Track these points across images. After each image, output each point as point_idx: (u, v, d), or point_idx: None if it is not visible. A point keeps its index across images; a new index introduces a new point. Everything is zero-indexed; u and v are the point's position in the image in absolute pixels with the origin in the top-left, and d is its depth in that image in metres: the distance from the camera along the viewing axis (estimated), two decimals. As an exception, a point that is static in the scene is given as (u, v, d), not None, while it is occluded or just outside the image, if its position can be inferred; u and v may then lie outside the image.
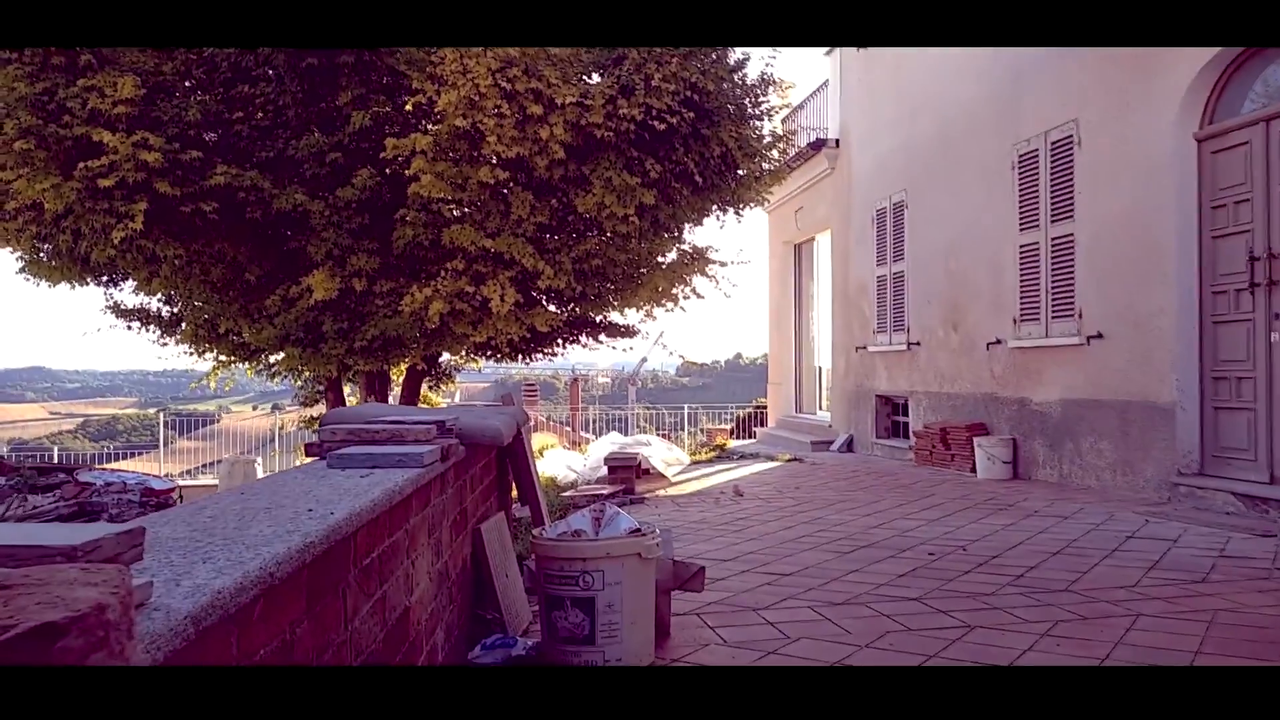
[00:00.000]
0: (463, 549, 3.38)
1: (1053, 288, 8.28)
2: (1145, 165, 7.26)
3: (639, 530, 3.33)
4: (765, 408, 19.80)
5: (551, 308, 8.07)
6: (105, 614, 0.73)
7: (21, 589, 0.74)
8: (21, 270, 7.46)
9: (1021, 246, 8.70)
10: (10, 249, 7.24)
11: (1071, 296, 8.03)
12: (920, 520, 6.42)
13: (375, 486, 2.07)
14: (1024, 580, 4.49)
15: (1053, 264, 8.27)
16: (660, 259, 7.98)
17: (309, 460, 2.68)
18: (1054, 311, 8.26)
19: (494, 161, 6.55)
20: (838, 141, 13.11)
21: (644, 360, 27.94)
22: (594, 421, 21.06)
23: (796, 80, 16.01)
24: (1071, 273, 8.03)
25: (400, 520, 2.32)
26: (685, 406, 21.07)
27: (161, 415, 22.28)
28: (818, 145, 13.25)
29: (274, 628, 1.41)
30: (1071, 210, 8.03)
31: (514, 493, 5.05)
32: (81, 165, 5.56)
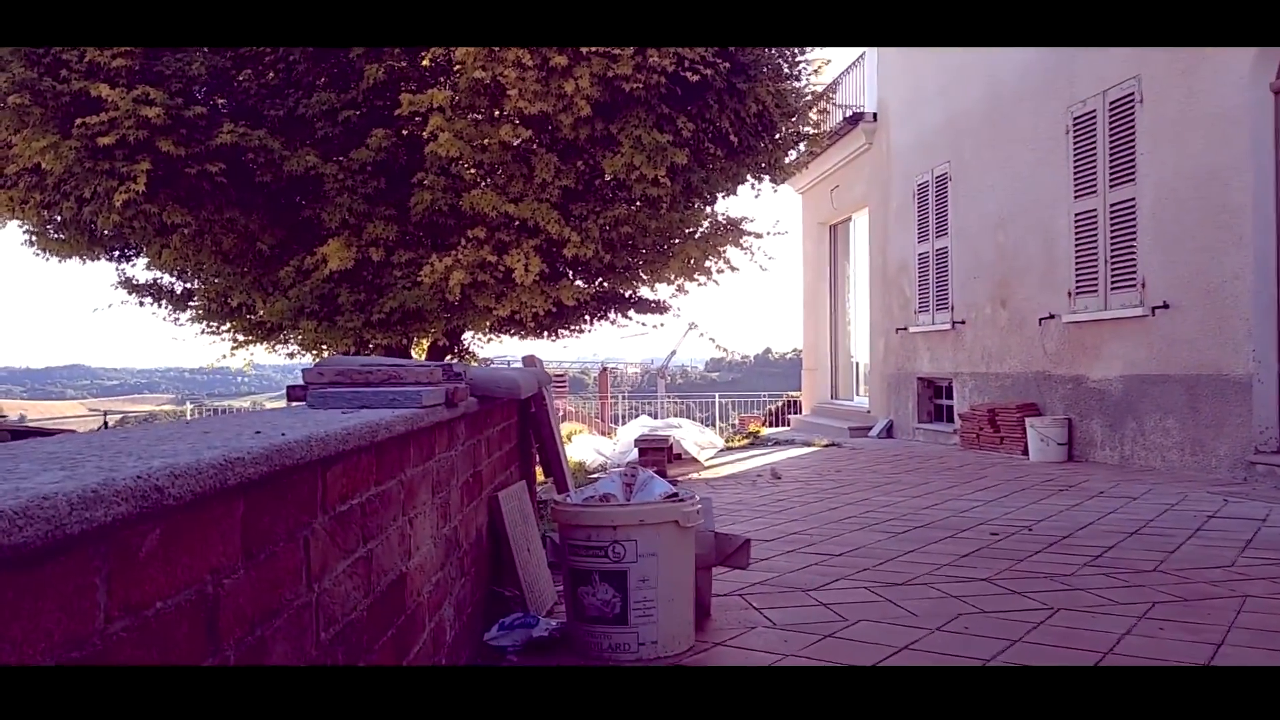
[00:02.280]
0: (477, 516, 2.99)
1: (1112, 257, 7.75)
2: (1216, 120, 6.72)
3: (676, 495, 2.92)
4: (797, 401, 19.30)
5: (579, 282, 7.67)
6: None
7: None
8: (29, 244, 7.19)
9: (1077, 215, 8.17)
10: (17, 220, 6.96)
11: (1133, 265, 7.50)
12: (975, 501, 5.96)
13: (352, 418, 1.68)
14: (1103, 561, 4.03)
15: (1112, 231, 7.74)
16: (692, 229, 7.54)
17: (290, 405, 2.30)
18: (1113, 282, 7.73)
19: (516, 120, 6.16)
20: (875, 116, 12.59)
21: (673, 353, 27.56)
22: (623, 415, 20.72)
23: (832, 56, 15.52)
24: (1133, 240, 7.50)
25: (393, 467, 1.93)
26: (716, 395, 20.63)
27: (189, 410, 22.17)
28: (854, 120, 12.74)
29: (181, 573, 1.01)
30: (1133, 173, 7.50)
31: (537, 468, 4.66)
32: (79, 122, 5.23)
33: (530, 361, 4.32)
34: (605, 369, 21.08)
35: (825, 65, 15.89)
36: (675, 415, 20.98)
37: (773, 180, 7.94)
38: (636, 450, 8.61)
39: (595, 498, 2.92)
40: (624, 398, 23.01)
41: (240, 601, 1.16)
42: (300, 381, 2.37)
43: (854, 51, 13.72)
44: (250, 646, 1.19)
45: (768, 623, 3.17)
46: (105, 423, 5.31)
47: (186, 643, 1.02)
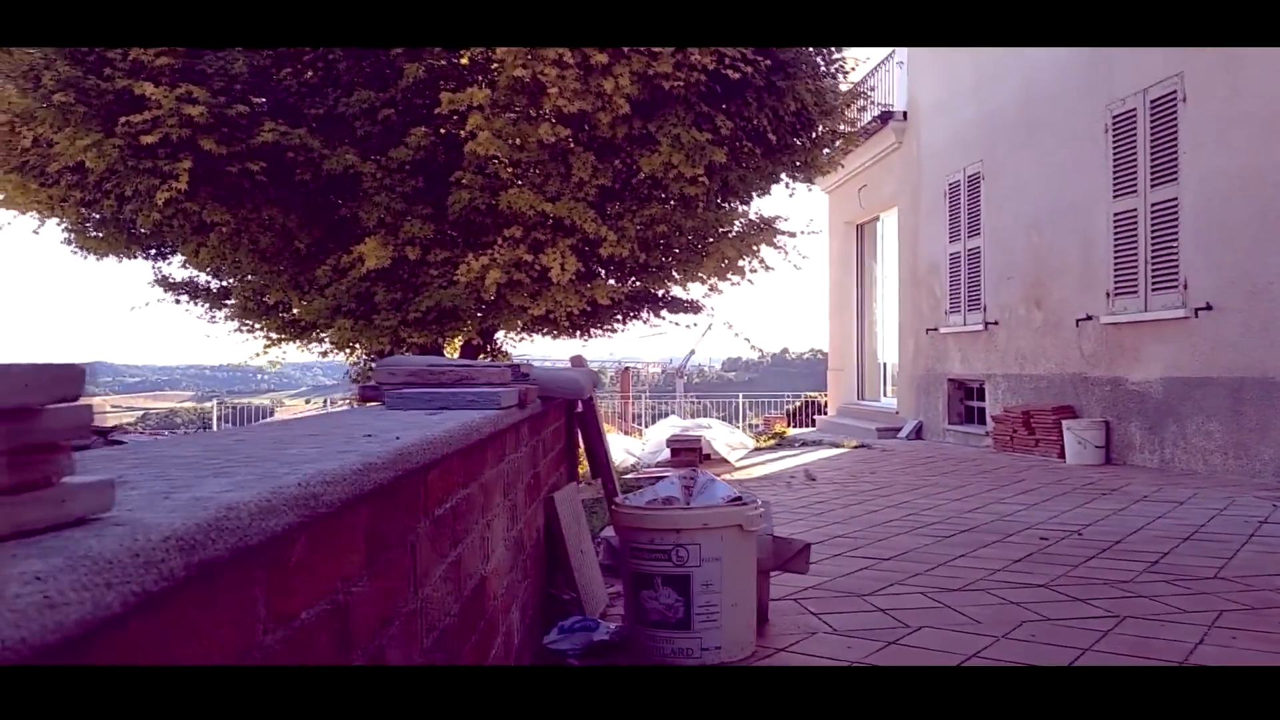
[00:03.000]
0: (536, 518, 2.96)
1: (1153, 257, 7.65)
2: (1263, 118, 6.61)
3: (739, 499, 2.88)
4: (816, 401, 19.19)
5: (612, 281, 7.63)
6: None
7: None
8: (67, 242, 7.22)
9: (1116, 214, 8.07)
10: (56, 218, 6.99)
11: (1175, 266, 7.40)
12: (1018, 504, 5.88)
13: (448, 420, 1.65)
14: (1161, 567, 3.96)
15: (1152, 231, 7.64)
16: (727, 228, 7.49)
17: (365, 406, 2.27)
18: (1154, 283, 7.63)
19: (554, 118, 6.12)
20: (905, 114, 12.50)
21: (692, 353, 27.49)
22: (642, 414, 20.67)
23: (865, 54, 15.39)
24: (1174, 240, 7.39)
25: (475, 470, 1.90)
26: (740, 395, 20.55)
27: (213, 407, 22.28)
28: (884, 118, 12.64)
29: (320, 582, 0.98)
30: (1175, 172, 7.39)
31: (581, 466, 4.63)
32: (123, 121, 5.23)
33: (578, 361, 4.29)
34: (627, 369, 21.01)
35: (858, 64, 15.83)
36: (692, 415, 20.94)
37: (807, 180, 7.89)
38: (668, 450, 8.58)
39: (657, 501, 2.88)
40: (646, 396, 22.97)
41: (365, 610, 1.13)
42: (334, 380, 2.35)
43: (883, 50, 13.62)
44: (372, 655, 1.16)
45: (828, 628, 3.12)
46: (119, 440, 5.31)
47: (324, 654, 0.99)
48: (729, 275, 7.96)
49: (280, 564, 0.87)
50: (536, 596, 2.96)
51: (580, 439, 4.24)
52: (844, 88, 7.61)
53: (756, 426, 18.27)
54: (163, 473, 0.86)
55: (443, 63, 6.12)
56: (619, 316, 8.13)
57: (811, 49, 6.86)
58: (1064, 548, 4.44)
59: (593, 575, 3.43)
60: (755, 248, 7.75)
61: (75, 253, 7.35)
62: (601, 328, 8.19)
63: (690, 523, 2.75)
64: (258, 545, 0.74)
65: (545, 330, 8.09)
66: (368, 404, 2.27)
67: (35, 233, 7.13)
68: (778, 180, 7.60)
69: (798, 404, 20.49)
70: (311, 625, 0.95)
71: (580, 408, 4.06)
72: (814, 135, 7.09)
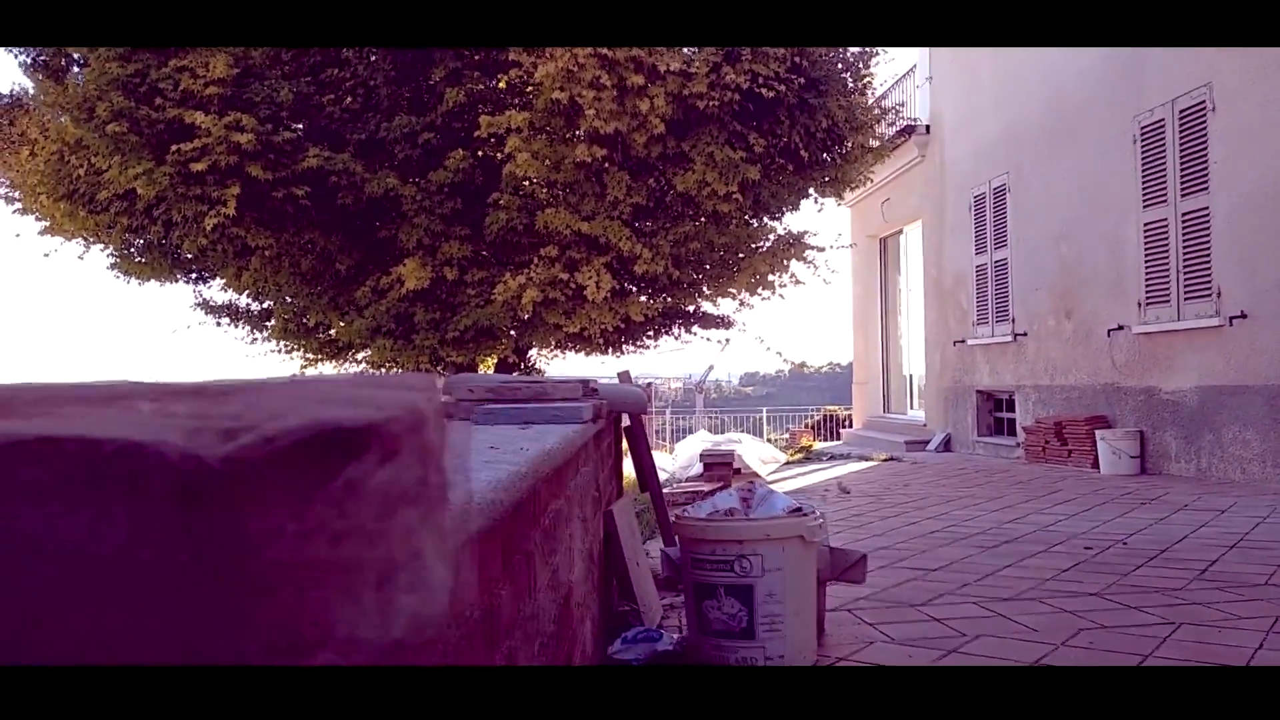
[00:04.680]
0: (598, 531, 3.02)
1: (1184, 267, 7.65)
2: (1295, 127, 6.63)
3: (799, 510, 2.93)
4: (835, 415, 19.16)
5: (643, 298, 7.72)
6: (424, 428, 0.39)
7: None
8: (112, 267, 7.38)
9: (1146, 224, 8.08)
10: (101, 245, 7.15)
11: (1208, 275, 7.40)
12: (1057, 515, 5.89)
13: (547, 434, 1.72)
14: (1211, 575, 3.97)
15: (1184, 241, 7.64)
16: (758, 244, 7.57)
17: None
18: (1186, 292, 7.63)
19: (590, 139, 6.23)
20: (928, 128, 12.55)
21: (711, 368, 27.48)
22: (665, 430, 20.67)
23: (877, 70, 15.48)
24: (1207, 249, 7.40)
25: (563, 483, 1.97)
26: (764, 409, 20.56)
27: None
28: (907, 131, 12.69)
29: (482, 582, 1.05)
30: (1206, 182, 7.41)
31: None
32: (174, 149, 5.38)
33: (625, 378, 4.36)
34: (651, 384, 21.09)
35: (873, 79, 15.80)
36: (712, 430, 20.95)
37: (836, 195, 7.96)
38: (699, 465, 8.63)
39: (718, 513, 2.94)
40: (670, 411, 22.99)
41: (504, 614, 1.20)
42: (455, 397, 2.42)
43: (904, 64, 13.70)
44: (506, 658, 1.23)
45: (885, 638, 3.16)
46: None
47: (478, 655, 1.06)
48: (760, 290, 8.04)
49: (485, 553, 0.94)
50: (602, 608, 3.02)
51: (630, 453, 4.31)
52: (873, 103, 7.70)
53: (782, 440, 18.26)
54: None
55: (481, 87, 6.25)
56: (651, 332, 8.21)
57: (840, 65, 6.94)
58: (1110, 557, 4.46)
59: (648, 587, 3.48)
60: (786, 262, 7.82)
61: (119, 277, 7.52)
62: (634, 344, 8.28)
63: (753, 534, 2.81)
64: (501, 522, 0.81)
65: (579, 347, 8.18)
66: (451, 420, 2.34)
67: (80, 258, 7.29)
68: (807, 195, 7.68)
69: (818, 417, 20.45)
70: (471, 625, 1.02)
71: (628, 421, 4.12)
72: (844, 150, 7.16)
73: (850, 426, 16.26)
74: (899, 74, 14.06)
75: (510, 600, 1.24)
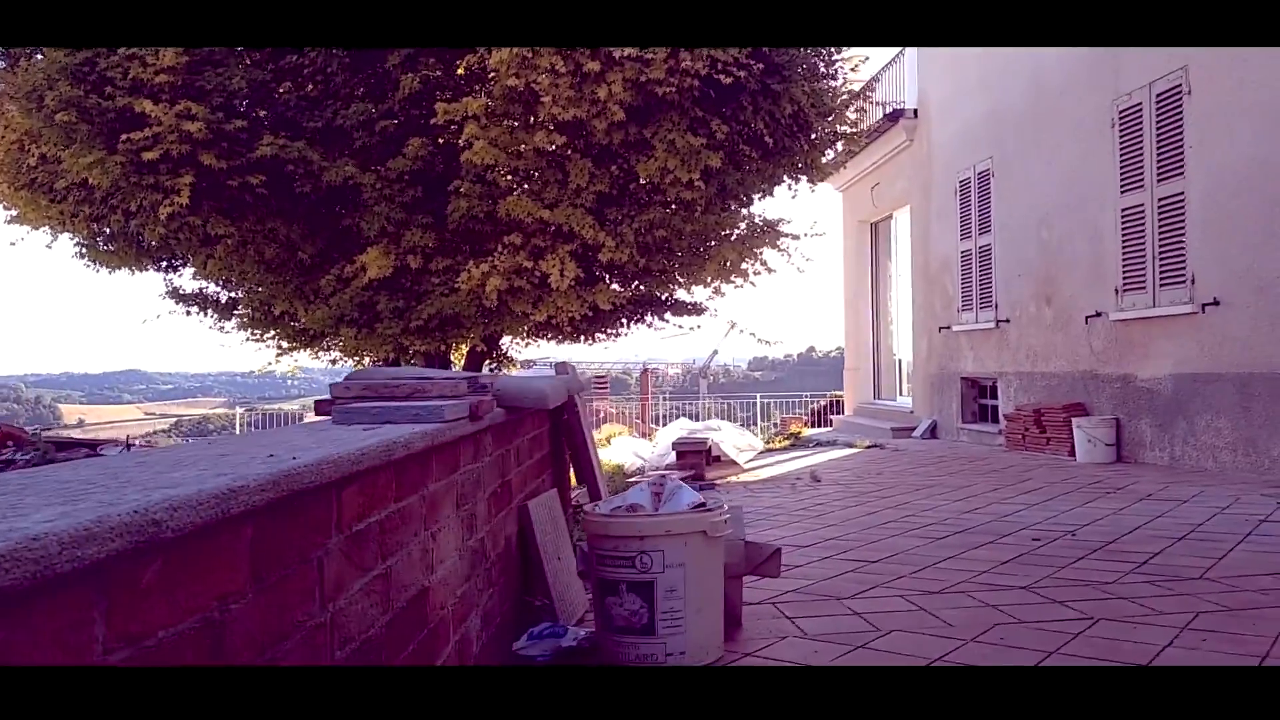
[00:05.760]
0: (506, 526, 3.00)
1: (1160, 253, 7.57)
2: (1269, 110, 6.53)
3: (703, 505, 2.91)
4: (840, 400, 19.08)
5: (614, 285, 7.66)
6: None
7: None
8: (80, 255, 7.38)
9: (1124, 210, 7.99)
10: (68, 233, 7.15)
11: (1183, 261, 7.32)
12: (1018, 505, 5.85)
13: (372, 436, 1.69)
14: (1148, 568, 3.94)
15: (1160, 227, 7.56)
16: (728, 231, 7.50)
17: (317, 418, 2.33)
18: (1162, 279, 7.55)
19: (550, 126, 6.16)
20: (916, 112, 12.44)
21: (715, 353, 27.43)
22: (665, 415, 20.64)
23: (868, 53, 15.32)
24: (1182, 235, 7.32)
25: (414, 483, 1.94)
26: (760, 396, 20.51)
27: (239, 413, 22.58)
28: (895, 117, 12.59)
29: (186, 600, 1.03)
30: (1181, 167, 7.32)
31: (572, 473, 4.67)
32: (124, 138, 5.35)
33: (563, 369, 4.33)
34: (646, 370, 21.04)
35: (863, 62, 15.58)
36: (717, 416, 20.90)
37: (810, 180, 7.86)
38: (674, 453, 8.61)
39: (623, 508, 2.92)
40: (665, 398, 22.92)
41: (249, 626, 1.18)
42: (331, 394, 2.40)
43: (893, 49, 13.55)
44: (269, 661, 1.21)
45: (799, 632, 3.14)
46: (129, 444, 5.39)
47: (203, 659, 1.04)
48: (732, 278, 7.97)
49: (128, 585, 0.92)
50: (507, 603, 3.00)
51: (569, 445, 4.28)
52: (855, 86, 7.59)
53: (774, 427, 18.21)
54: (16, 500, 0.91)
55: (438, 74, 6.20)
56: (622, 320, 8.16)
57: (810, 50, 6.85)
58: (1055, 549, 4.42)
59: (570, 581, 3.47)
60: (757, 251, 7.75)
61: (88, 266, 7.52)
62: (606, 332, 8.23)
63: (653, 530, 2.78)
64: (74, 571, 0.78)
65: (549, 336, 8.14)
66: (320, 417, 2.32)
67: (48, 247, 7.29)
68: (779, 182, 7.58)
69: (824, 402, 20.36)
70: (172, 643, 0.99)
71: (566, 414, 4.10)
72: (813, 137, 7.07)
73: (843, 413, 16.21)
74: (888, 58, 13.92)
75: (263, 613, 1.22)
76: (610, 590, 2.82)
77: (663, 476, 3.11)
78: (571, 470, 4.43)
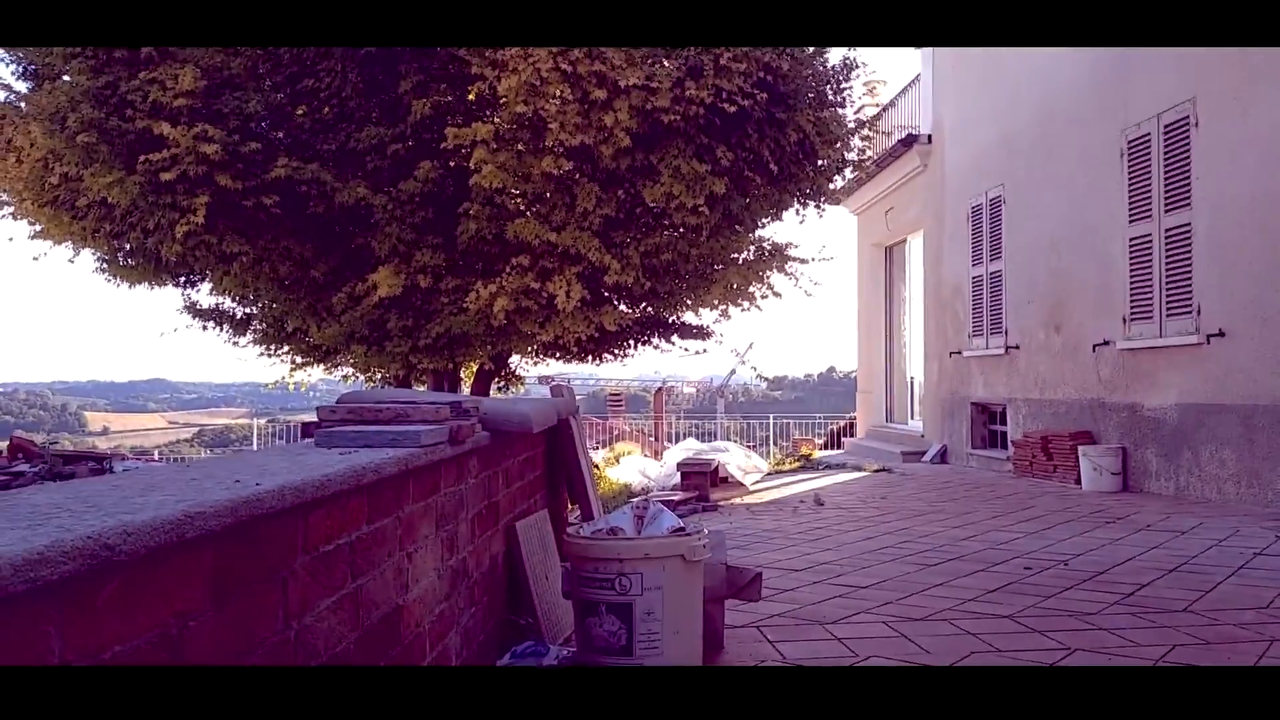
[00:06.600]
0: (490, 546, 3.09)
1: (1167, 283, 7.58)
2: (1275, 142, 6.55)
3: (682, 529, 2.98)
4: (855, 423, 19.06)
5: (621, 306, 7.77)
6: None
7: None
8: (100, 270, 7.57)
9: (1131, 239, 8.01)
10: (90, 249, 7.34)
11: (1189, 292, 7.33)
12: (1017, 533, 5.87)
13: (343, 461, 1.78)
14: (1134, 599, 3.96)
15: (1167, 257, 7.58)
16: (736, 254, 7.59)
17: (304, 441, 2.42)
18: (1169, 309, 7.56)
19: (558, 151, 6.29)
20: (930, 137, 12.50)
21: (733, 372, 27.46)
22: (679, 435, 20.69)
23: (887, 78, 15.41)
24: (1188, 266, 7.33)
25: (388, 506, 2.03)
26: (773, 417, 20.52)
27: (259, 424, 22.83)
28: (909, 142, 12.66)
29: (143, 617, 1.12)
30: (1188, 197, 7.34)
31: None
32: (143, 159, 5.52)
33: (558, 390, 4.42)
34: (661, 388, 21.11)
35: (882, 85, 15.62)
36: (734, 435, 20.93)
37: (817, 205, 7.94)
38: (679, 474, 8.66)
39: (604, 530, 2.99)
40: (679, 417, 22.95)
41: (208, 641, 1.27)
42: (318, 417, 2.49)
43: (910, 72, 13.64)
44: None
45: (778, 656, 3.20)
46: (110, 467, 5.53)
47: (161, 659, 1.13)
48: (739, 301, 8.06)
49: (83, 604, 1.01)
50: (491, 622, 3.08)
51: (562, 466, 4.36)
52: (872, 110, 7.69)
53: (789, 447, 18.21)
54: (-14, 523, 1.01)
55: (449, 99, 6.34)
56: (629, 341, 8.26)
57: (812, 79, 6.94)
58: (1045, 578, 4.45)
59: (557, 601, 3.54)
60: (765, 275, 7.84)
61: (109, 280, 7.70)
62: (612, 352, 8.33)
63: (632, 553, 2.86)
64: (27, 591, 0.87)
65: (556, 355, 8.24)
66: (305, 439, 2.42)
67: (70, 262, 7.49)
68: (787, 207, 7.67)
69: (839, 425, 20.33)
70: (127, 657, 1.08)
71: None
72: (819, 164, 7.16)
73: (854, 435, 16.20)
74: (904, 84, 14.01)
75: (223, 630, 1.31)
76: (591, 611, 2.90)
77: (645, 500, 3.19)
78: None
